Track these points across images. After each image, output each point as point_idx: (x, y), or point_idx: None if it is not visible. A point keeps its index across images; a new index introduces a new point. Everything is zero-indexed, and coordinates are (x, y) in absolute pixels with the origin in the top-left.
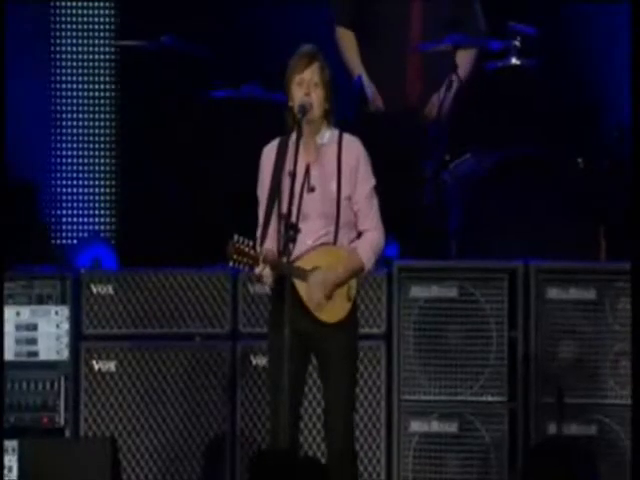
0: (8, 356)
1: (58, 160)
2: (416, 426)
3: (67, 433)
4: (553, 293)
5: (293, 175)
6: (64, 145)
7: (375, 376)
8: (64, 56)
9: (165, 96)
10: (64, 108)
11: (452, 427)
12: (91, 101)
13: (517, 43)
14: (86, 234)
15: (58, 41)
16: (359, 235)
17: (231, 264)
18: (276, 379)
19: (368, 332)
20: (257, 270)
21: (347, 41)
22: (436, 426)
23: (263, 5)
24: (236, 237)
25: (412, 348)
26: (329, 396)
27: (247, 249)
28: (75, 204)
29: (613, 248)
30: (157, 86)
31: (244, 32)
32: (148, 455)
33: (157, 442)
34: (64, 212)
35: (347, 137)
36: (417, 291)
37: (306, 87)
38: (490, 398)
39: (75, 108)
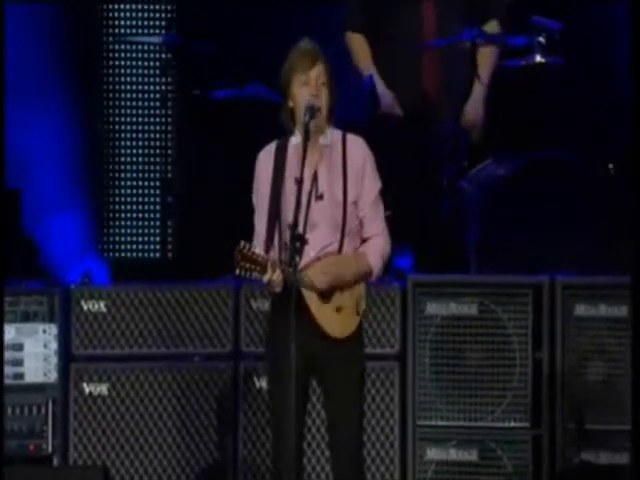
0: None
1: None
2: (433, 454)
3: (55, 461)
4: (581, 310)
5: (300, 182)
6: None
7: (388, 400)
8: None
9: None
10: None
11: (472, 455)
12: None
13: (541, 39)
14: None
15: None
16: (363, 242)
17: (237, 272)
18: (281, 400)
19: (381, 352)
20: (265, 277)
21: (357, 45)
22: (454, 454)
23: (270, 4)
24: (242, 243)
25: (428, 370)
26: (335, 416)
27: (254, 256)
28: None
29: None
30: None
31: (249, 30)
32: None
33: (152, 471)
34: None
35: (351, 137)
36: (434, 308)
37: (314, 87)
38: (513, 424)
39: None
